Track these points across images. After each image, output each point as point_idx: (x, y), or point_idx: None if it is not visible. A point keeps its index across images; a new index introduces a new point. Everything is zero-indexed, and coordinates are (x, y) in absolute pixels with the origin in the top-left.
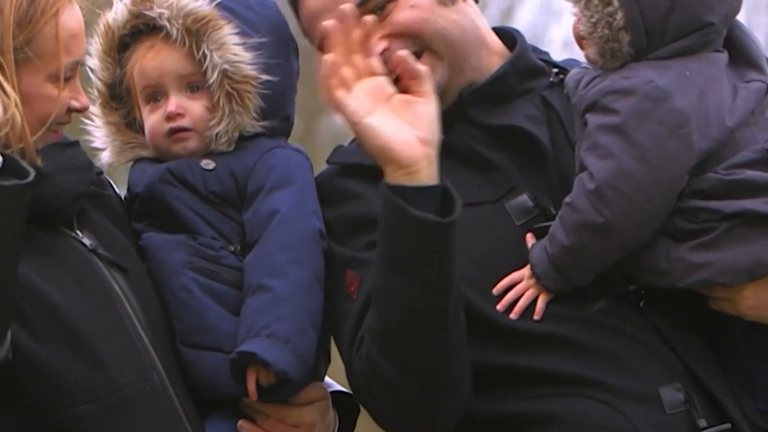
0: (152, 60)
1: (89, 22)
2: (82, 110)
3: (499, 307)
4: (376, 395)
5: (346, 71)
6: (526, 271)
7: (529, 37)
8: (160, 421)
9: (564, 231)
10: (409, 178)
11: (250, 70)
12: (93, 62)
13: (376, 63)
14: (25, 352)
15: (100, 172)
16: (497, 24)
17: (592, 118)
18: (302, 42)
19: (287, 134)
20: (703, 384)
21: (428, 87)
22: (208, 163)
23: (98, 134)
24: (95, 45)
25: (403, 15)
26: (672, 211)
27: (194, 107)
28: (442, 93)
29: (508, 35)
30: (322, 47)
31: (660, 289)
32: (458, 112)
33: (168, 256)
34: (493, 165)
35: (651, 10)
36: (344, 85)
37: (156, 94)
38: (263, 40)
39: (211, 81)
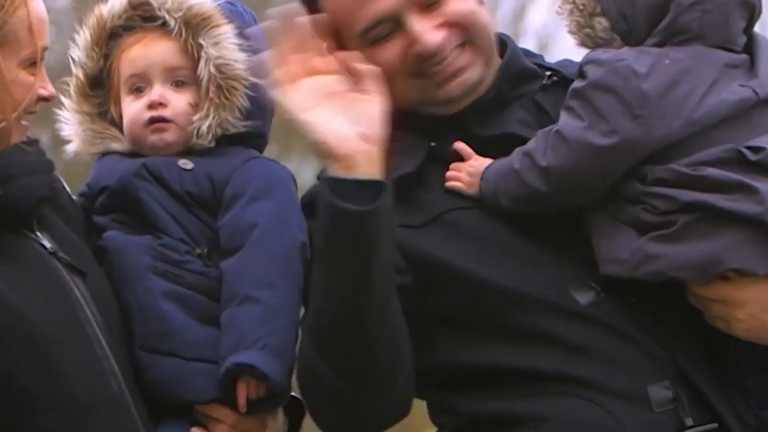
0: (142, 49)
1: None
2: (50, 99)
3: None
4: (314, 396)
5: (294, 66)
6: (477, 173)
7: (542, 36)
8: (117, 429)
9: (514, 160)
10: (346, 172)
11: (241, 70)
12: (76, 53)
13: (326, 61)
14: None
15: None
16: (510, 23)
17: (573, 83)
18: None
19: (262, 151)
20: (694, 383)
21: (374, 86)
22: (186, 163)
23: (68, 123)
24: (83, 36)
25: (458, 5)
26: (634, 201)
27: (177, 100)
28: (475, 87)
29: (500, 41)
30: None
31: (654, 286)
32: (457, 124)
33: (132, 259)
34: None
35: None
36: (291, 79)
37: (140, 84)
38: (257, 46)
39: (201, 75)
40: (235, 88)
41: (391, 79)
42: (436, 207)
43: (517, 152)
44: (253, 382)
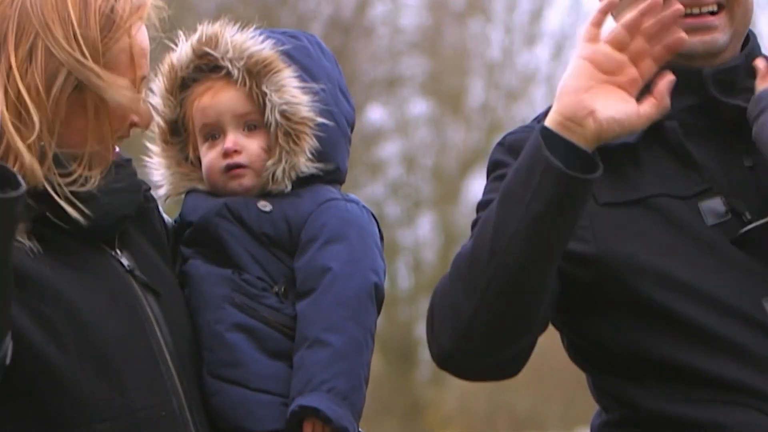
0: (211, 99)
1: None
2: (142, 126)
3: None
4: (435, 313)
5: (621, 32)
6: None
7: (558, 39)
8: None
9: None
10: (560, 129)
11: (307, 112)
12: (155, 100)
13: (639, 49)
14: (50, 364)
15: (148, 189)
16: (527, 25)
17: None
18: (334, 45)
19: (341, 183)
20: None
21: (652, 111)
22: (265, 205)
23: (157, 169)
24: (158, 83)
25: None
26: None
27: (251, 145)
28: (715, 54)
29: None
30: None
31: None
32: (694, 84)
33: (210, 288)
34: (694, 162)
35: None
36: (607, 38)
37: (214, 132)
38: (320, 86)
39: (269, 121)
40: (304, 132)
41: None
42: (644, 188)
43: None
44: (319, 424)
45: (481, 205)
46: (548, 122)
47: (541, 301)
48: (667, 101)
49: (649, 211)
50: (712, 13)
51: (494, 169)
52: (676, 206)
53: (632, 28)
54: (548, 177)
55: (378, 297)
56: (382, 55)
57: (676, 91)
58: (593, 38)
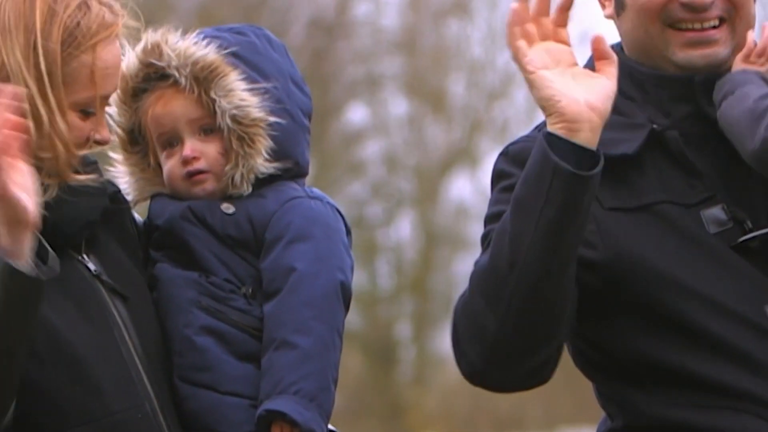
0: (163, 108)
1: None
2: (103, 143)
3: None
4: (460, 331)
5: (532, 28)
6: None
7: None
8: None
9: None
10: (568, 134)
11: (258, 113)
12: (111, 109)
13: (565, 33)
14: (25, 372)
15: (118, 190)
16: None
17: None
18: (316, 45)
19: (304, 176)
20: None
21: (613, 69)
22: (228, 207)
23: (122, 177)
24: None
25: None
26: None
27: (208, 150)
28: (716, 67)
29: None
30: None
31: None
32: (689, 96)
33: (178, 292)
34: (696, 171)
35: None
36: (527, 38)
37: (171, 140)
38: (269, 85)
39: (222, 126)
40: (257, 134)
41: (641, 21)
42: (648, 195)
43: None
44: (287, 427)
45: (490, 218)
46: (552, 130)
47: (563, 305)
48: (614, 54)
49: (654, 218)
50: (714, 27)
51: (499, 180)
52: (678, 213)
53: (525, 20)
54: (559, 180)
55: (345, 295)
56: (363, 54)
57: (674, 100)
58: (527, 46)
